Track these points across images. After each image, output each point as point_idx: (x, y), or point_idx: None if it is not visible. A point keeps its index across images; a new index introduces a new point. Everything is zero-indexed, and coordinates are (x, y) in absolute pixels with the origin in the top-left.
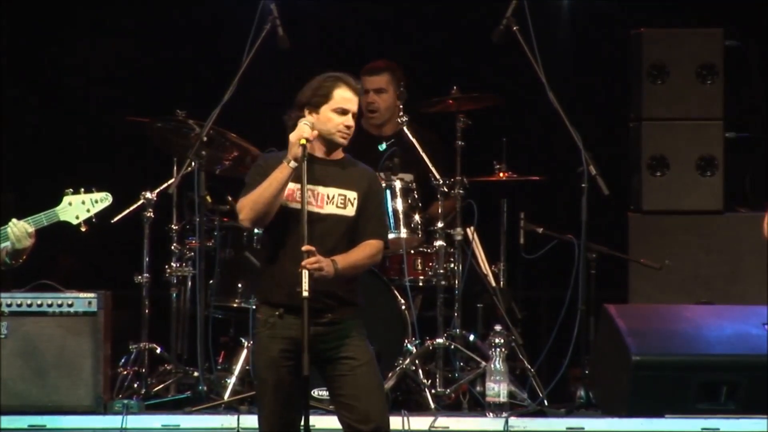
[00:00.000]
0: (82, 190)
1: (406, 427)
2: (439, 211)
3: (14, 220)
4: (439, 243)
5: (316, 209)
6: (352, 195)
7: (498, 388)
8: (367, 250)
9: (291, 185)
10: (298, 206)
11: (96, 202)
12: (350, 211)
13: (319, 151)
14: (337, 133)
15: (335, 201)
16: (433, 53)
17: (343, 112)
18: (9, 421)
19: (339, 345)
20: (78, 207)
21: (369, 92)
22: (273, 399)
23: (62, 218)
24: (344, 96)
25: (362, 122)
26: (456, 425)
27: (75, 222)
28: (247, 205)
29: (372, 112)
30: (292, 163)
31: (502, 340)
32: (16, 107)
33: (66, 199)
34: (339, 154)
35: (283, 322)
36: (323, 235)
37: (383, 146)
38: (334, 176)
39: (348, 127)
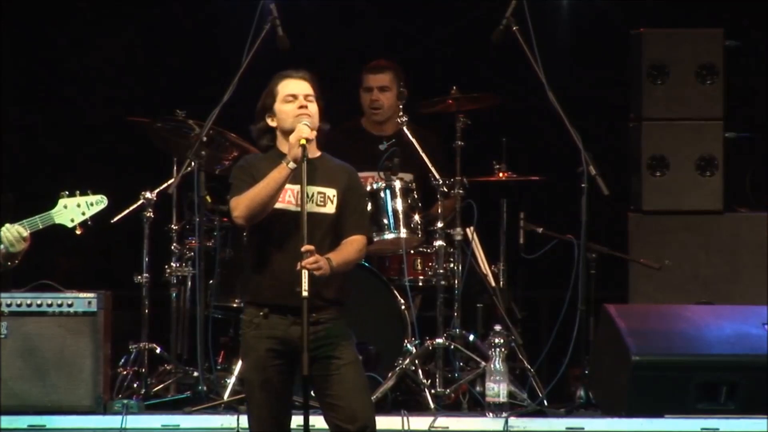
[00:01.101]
0: (78, 192)
1: (406, 427)
2: (439, 211)
3: (8, 225)
4: (438, 243)
5: (295, 209)
6: (332, 192)
7: (498, 388)
8: (354, 245)
9: None
10: (286, 207)
11: (91, 204)
12: (330, 208)
13: None
14: (295, 119)
15: (315, 199)
16: (433, 53)
17: (293, 97)
18: (9, 421)
19: (324, 345)
20: (73, 210)
21: (373, 90)
22: (261, 399)
23: (57, 221)
24: (287, 84)
25: (362, 122)
26: (456, 425)
27: (70, 225)
28: (243, 203)
29: (376, 109)
30: (291, 164)
31: (502, 340)
32: (16, 107)
33: (61, 202)
34: (316, 152)
35: (269, 322)
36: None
37: (384, 145)
38: (312, 174)
39: (302, 107)
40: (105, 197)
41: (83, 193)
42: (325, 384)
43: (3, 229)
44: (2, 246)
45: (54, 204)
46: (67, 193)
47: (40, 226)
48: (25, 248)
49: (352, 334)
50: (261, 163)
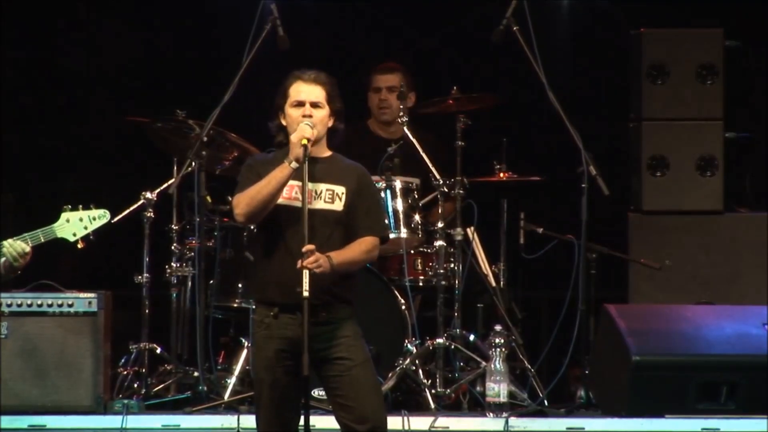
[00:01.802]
0: (81, 206)
1: (406, 427)
2: (440, 211)
3: (10, 240)
4: (439, 243)
5: (301, 204)
6: (340, 190)
7: (498, 388)
8: (362, 246)
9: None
10: (293, 203)
11: (94, 219)
12: (338, 206)
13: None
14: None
15: (323, 196)
16: (433, 53)
17: (299, 104)
18: (9, 421)
19: (334, 345)
20: (75, 224)
21: (382, 90)
22: (269, 399)
23: (59, 235)
24: (298, 89)
25: (369, 123)
26: (456, 425)
27: (72, 239)
28: (244, 201)
29: (384, 108)
30: (294, 164)
31: (502, 340)
32: (17, 107)
33: (64, 216)
34: (326, 152)
35: (278, 322)
36: (312, 231)
37: (393, 148)
38: (321, 172)
39: (306, 116)
40: (108, 212)
41: (86, 207)
42: (337, 384)
43: (6, 243)
44: (4, 259)
45: (56, 218)
46: (69, 206)
47: (42, 240)
48: (27, 262)
49: (361, 334)
50: (270, 163)
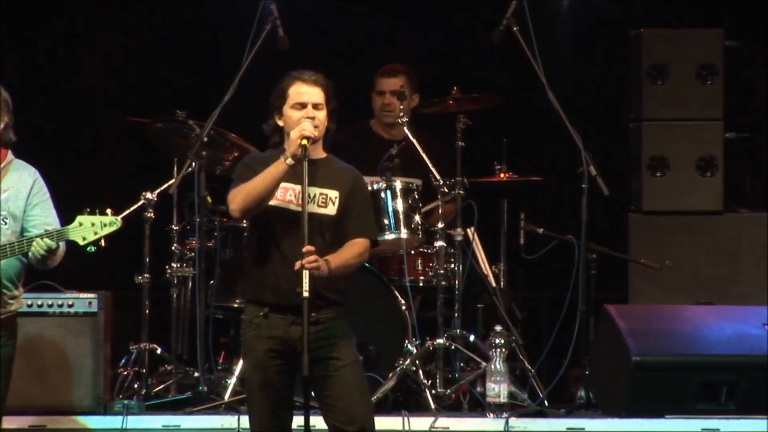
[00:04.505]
0: (97, 211)
1: (407, 428)
2: (440, 212)
3: (38, 239)
4: (439, 243)
5: (296, 208)
6: (334, 194)
7: (498, 389)
8: (354, 249)
9: (282, 184)
10: (287, 206)
11: (105, 225)
12: (331, 210)
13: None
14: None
15: (316, 200)
16: (433, 53)
17: (302, 105)
18: (9, 421)
19: (324, 345)
20: (87, 229)
21: (385, 94)
22: (260, 399)
23: (71, 237)
24: (299, 90)
25: (372, 124)
26: (456, 426)
27: (81, 243)
28: (239, 196)
29: (387, 112)
30: (290, 161)
31: (503, 341)
32: (16, 107)
33: (78, 219)
34: (321, 154)
35: (268, 322)
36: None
37: (395, 149)
38: (316, 176)
39: (309, 118)
40: (119, 220)
41: (102, 213)
42: (325, 385)
43: (35, 241)
44: (31, 255)
45: (72, 219)
46: (88, 210)
47: (55, 240)
48: (60, 255)
49: (353, 335)
50: (266, 161)
